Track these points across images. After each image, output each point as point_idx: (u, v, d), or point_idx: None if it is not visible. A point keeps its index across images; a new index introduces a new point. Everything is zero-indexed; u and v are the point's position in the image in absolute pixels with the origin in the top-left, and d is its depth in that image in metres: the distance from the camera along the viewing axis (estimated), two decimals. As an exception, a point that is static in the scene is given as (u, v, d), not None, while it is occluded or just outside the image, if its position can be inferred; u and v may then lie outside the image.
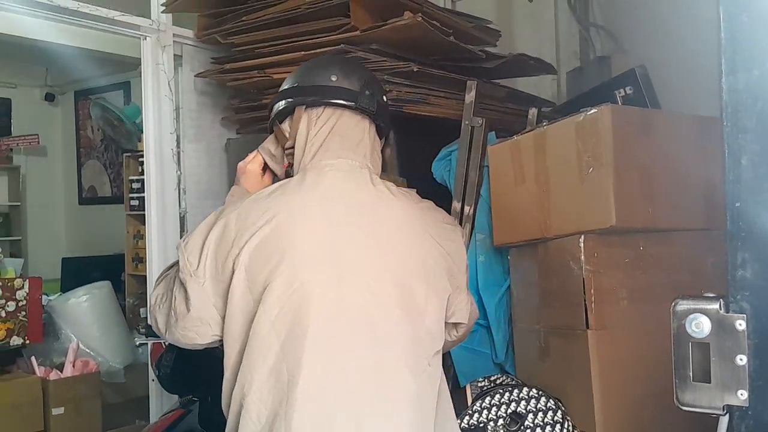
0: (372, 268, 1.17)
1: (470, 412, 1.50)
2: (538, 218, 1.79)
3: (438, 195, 2.20)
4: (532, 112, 2.42)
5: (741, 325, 0.66)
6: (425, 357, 1.15)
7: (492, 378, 1.76)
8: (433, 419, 1.13)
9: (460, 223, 2.13)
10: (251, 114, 2.37)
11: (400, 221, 1.23)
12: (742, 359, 0.66)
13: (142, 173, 4.23)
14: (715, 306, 0.68)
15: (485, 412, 1.47)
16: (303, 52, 2.06)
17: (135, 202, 4.43)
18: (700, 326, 0.68)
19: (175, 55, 2.33)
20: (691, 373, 0.69)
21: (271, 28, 2.15)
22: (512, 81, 2.59)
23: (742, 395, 0.66)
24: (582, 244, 1.65)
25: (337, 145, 1.27)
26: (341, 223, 1.18)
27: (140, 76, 2.34)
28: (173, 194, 2.33)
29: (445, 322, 1.23)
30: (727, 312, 0.67)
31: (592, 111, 1.66)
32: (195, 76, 2.36)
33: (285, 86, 1.34)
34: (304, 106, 1.30)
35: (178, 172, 2.34)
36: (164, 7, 2.27)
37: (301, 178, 1.24)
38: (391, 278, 1.16)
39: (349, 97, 1.30)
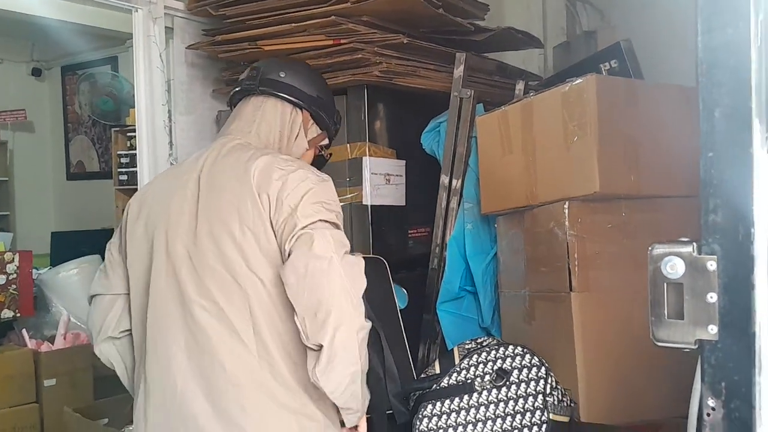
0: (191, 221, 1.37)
1: (458, 369, 1.56)
2: (524, 186, 1.84)
3: (428, 165, 2.26)
4: (520, 85, 2.47)
5: (712, 265, 0.72)
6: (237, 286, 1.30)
7: (479, 340, 1.82)
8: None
9: (448, 196, 2.19)
10: (242, 86, 2.38)
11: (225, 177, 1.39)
12: (712, 297, 0.71)
13: (130, 148, 4.23)
14: (688, 249, 0.73)
15: (472, 368, 1.53)
16: (293, 24, 2.09)
17: (124, 177, 4.44)
18: (675, 268, 0.74)
19: (166, 27, 2.34)
20: (666, 311, 0.75)
21: (263, 0, 2.17)
22: (500, 55, 2.62)
23: (713, 330, 0.72)
24: (567, 211, 1.71)
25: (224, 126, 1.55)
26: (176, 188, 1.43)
27: (128, 50, 2.35)
28: (165, 166, 2.35)
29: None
30: (700, 254, 0.72)
31: (577, 81, 1.71)
32: (186, 48, 2.37)
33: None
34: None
35: (171, 144, 2.36)
36: (155, -21, 2.28)
37: None
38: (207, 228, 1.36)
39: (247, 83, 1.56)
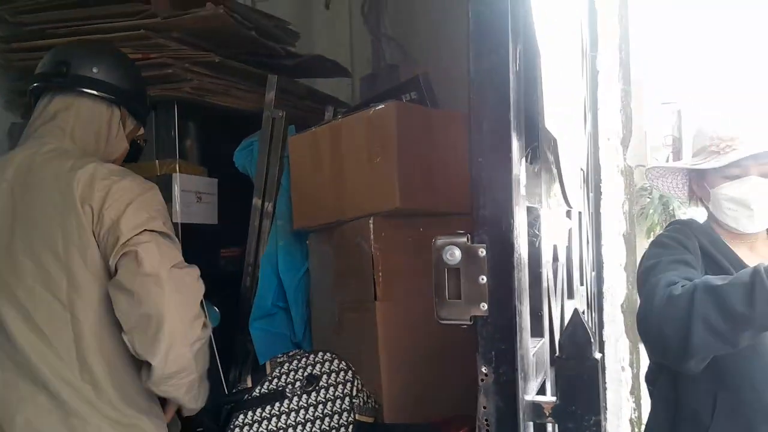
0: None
1: (269, 379, 1.60)
2: (333, 203, 1.95)
3: (240, 184, 2.28)
4: (329, 110, 2.59)
5: (482, 252, 0.85)
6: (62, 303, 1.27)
7: (290, 354, 1.87)
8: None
9: (261, 218, 2.23)
10: (39, 98, 2.25)
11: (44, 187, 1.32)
12: (483, 279, 0.84)
13: None
14: (464, 239, 0.86)
15: (283, 377, 1.58)
16: (99, 35, 2.03)
17: None
18: (453, 255, 0.86)
19: (-49, 31, 2.15)
20: (447, 293, 0.86)
21: (65, 9, 2.08)
22: (311, 82, 2.74)
23: (484, 307, 0.84)
24: (371, 225, 1.83)
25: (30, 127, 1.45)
26: None
27: None
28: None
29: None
30: (473, 243, 0.85)
31: (380, 106, 1.86)
32: (-25, 54, 2.20)
33: None
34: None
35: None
36: (-59, -21, 2.10)
37: None
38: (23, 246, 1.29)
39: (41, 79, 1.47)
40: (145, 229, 1.26)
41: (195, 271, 1.33)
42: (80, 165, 1.31)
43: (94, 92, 1.44)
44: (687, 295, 1.25)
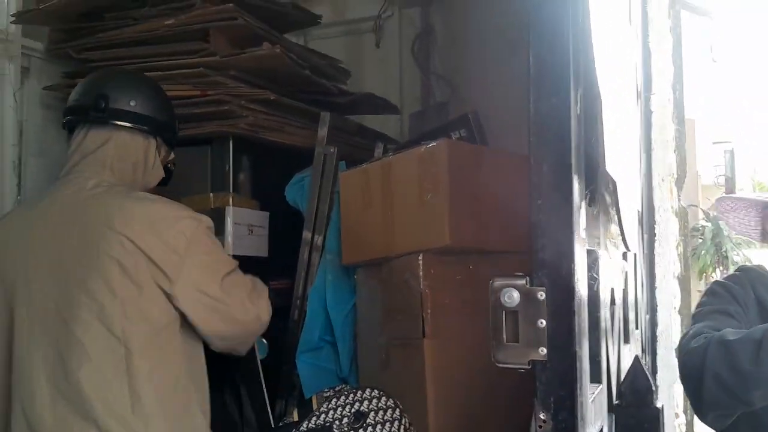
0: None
1: (317, 414, 1.60)
2: (382, 239, 1.96)
3: (291, 219, 2.31)
4: (379, 147, 2.62)
5: (542, 295, 0.84)
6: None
7: (337, 389, 1.87)
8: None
9: (310, 251, 2.25)
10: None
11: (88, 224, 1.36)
12: (542, 323, 0.83)
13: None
14: (522, 281, 0.85)
15: (330, 412, 1.57)
16: (160, 72, 2.10)
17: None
18: (511, 297, 0.85)
19: (22, 67, 2.26)
20: (504, 336, 0.85)
21: (129, 47, 2.17)
22: (360, 118, 2.78)
23: (543, 351, 0.83)
24: (421, 262, 1.83)
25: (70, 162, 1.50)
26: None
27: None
28: (10, 209, 2.23)
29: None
30: (532, 285, 0.85)
31: (431, 144, 1.88)
32: (43, 89, 2.30)
33: None
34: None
35: (19, 186, 2.25)
36: (14, 18, 2.21)
37: None
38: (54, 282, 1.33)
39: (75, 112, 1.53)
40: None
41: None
42: (129, 202, 1.37)
43: (133, 126, 1.48)
44: (701, 349, 1.21)
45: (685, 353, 1.25)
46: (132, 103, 1.48)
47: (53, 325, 1.31)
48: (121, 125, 1.47)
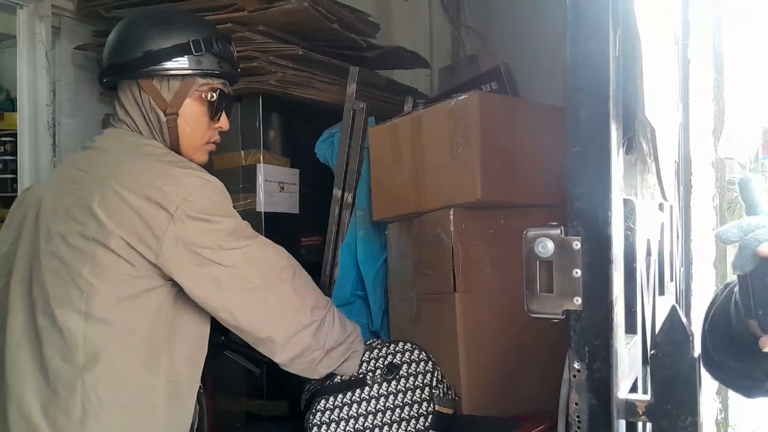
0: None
1: (350, 366, 1.62)
2: (413, 194, 1.95)
3: (321, 175, 2.32)
4: (409, 101, 2.59)
5: (577, 245, 0.83)
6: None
7: (370, 342, 1.89)
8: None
9: (341, 209, 2.25)
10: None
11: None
12: (577, 272, 0.82)
13: (3, 153, 3.99)
14: (557, 231, 0.84)
15: (364, 364, 1.60)
16: (189, 30, 2.09)
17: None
18: (546, 247, 0.84)
19: (53, 27, 2.27)
20: (538, 286, 0.85)
21: (157, 4, 2.16)
22: (389, 73, 2.75)
23: (578, 301, 0.82)
24: (452, 217, 1.82)
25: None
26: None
27: (4, 51, 2.26)
28: (47, 168, 2.27)
29: None
30: (567, 235, 0.83)
31: (462, 97, 1.84)
32: (74, 48, 2.31)
33: None
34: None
35: (54, 147, 2.28)
36: (42, -23, 2.22)
37: None
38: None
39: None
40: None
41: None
42: (167, 168, 1.35)
43: (113, 80, 1.43)
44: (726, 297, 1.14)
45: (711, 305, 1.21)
46: (106, 57, 1.43)
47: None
48: (108, 85, 1.48)
